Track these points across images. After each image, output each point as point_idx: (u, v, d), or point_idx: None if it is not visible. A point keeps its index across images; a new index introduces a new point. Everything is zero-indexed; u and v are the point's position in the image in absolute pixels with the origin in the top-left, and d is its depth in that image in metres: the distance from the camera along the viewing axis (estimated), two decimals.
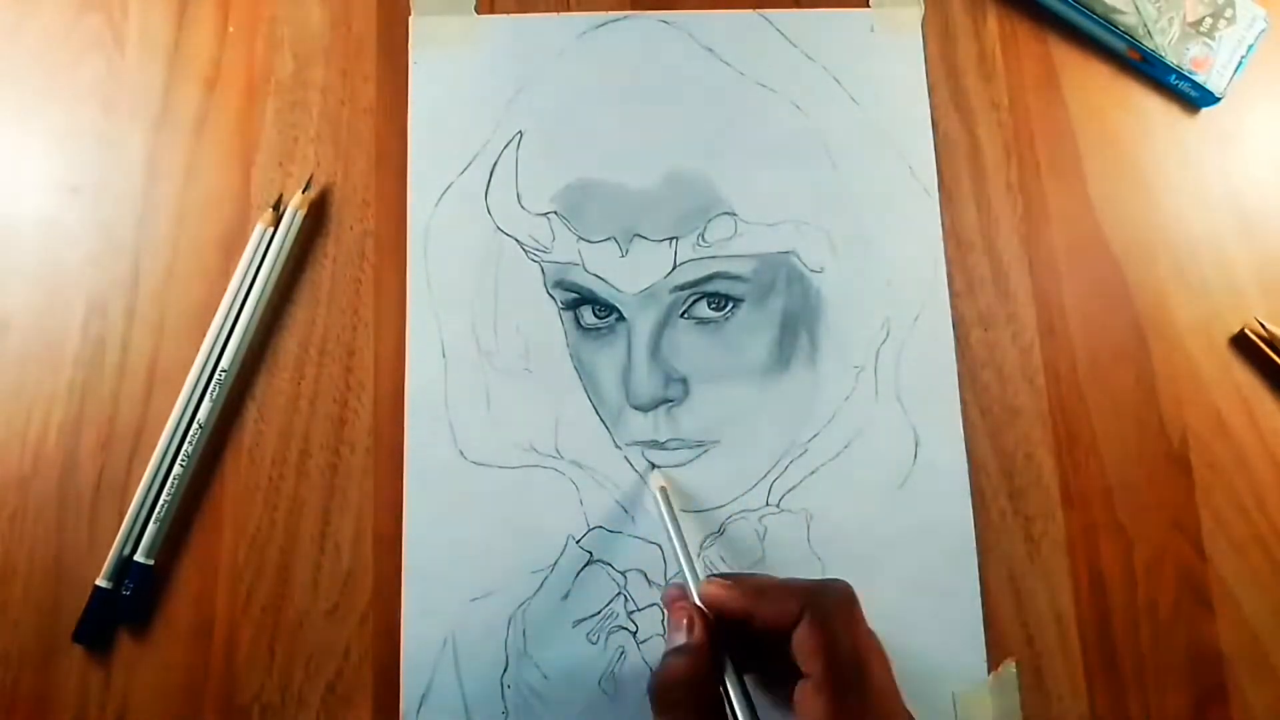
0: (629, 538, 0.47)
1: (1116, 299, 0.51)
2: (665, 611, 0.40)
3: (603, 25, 0.53)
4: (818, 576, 0.47)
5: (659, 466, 0.48)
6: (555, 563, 0.47)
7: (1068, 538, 0.48)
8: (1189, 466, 0.49)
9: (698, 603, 0.40)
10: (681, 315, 0.49)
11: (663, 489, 0.46)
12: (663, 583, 0.47)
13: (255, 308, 0.48)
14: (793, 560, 0.47)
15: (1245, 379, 0.50)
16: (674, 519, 0.44)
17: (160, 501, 0.46)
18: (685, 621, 0.39)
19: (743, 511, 0.48)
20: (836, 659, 0.36)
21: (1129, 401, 0.50)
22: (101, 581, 0.46)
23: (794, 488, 0.48)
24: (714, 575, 0.41)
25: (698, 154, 0.51)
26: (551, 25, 0.53)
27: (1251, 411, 0.50)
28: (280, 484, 0.48)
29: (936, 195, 0.52)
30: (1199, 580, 0.48)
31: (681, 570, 0.42)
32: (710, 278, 0.49)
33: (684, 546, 0.43)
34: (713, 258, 0.49)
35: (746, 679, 0.38)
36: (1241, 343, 0.51)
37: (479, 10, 0.53)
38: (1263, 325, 0.50)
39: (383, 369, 0.49)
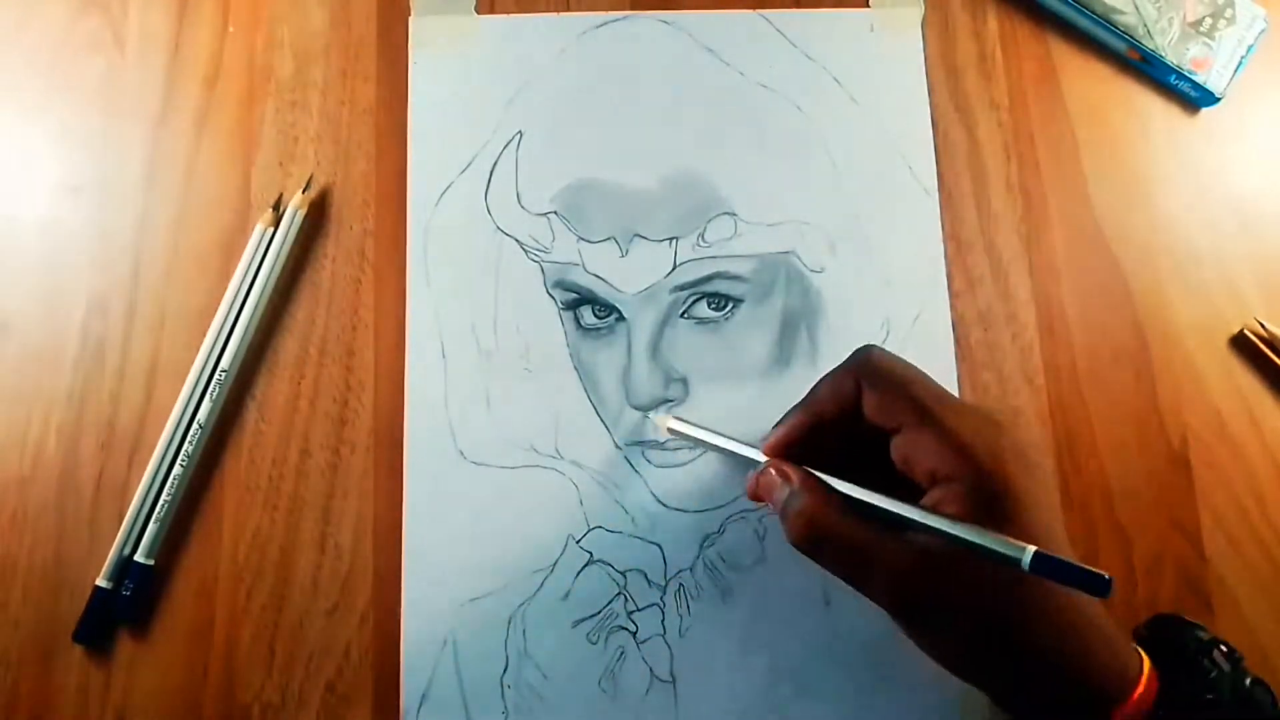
0: (629, 538, 0.47)
1: (1116, 299, 0.51)
2: (759, 496, 0.41)
3: (603, 25, 0.53)
4: (817, 574, 0.47)
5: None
6: (555, 563, 0.47)
7: (1068, 537, 0.48)
8: (1189, 466, 0.49)
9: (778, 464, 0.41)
10: (681, 315, 0.49)
11: (673, 423, 0.47)
12: (663, 583, 0.47)
13: (255, 308, 0.48)
14: (793, 560, 0.47)
15: (1245, 379, 0.50)
16: (704, 429, 0.45)
17: (160, 501, 0.46)
18: (777, 475, 0.40)
19: (742, 511, 0.48)
20: (916, 398, 0.38)
21: (1129, 401, 0.50)
22: (101, 581, 0.46)
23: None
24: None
25: (698, 154, 0.51)
26: (551, 25, 0.53)
27: (1251, 411, 0.50)
28: (280, 484, 0.48)
29: (936, 195, 0.52)
30: (1199, 580, 0.48)
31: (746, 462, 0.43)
32: (710, 278, 0.49)
33: (730, 440, 0.44)
34: (713, 258, 0.49)
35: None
36: (1241, 343, 0.51)
37: (479, 10, 0.53)
38: (1263, 325, 0.50)
39: (383, 369, 0.49)
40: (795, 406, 0.42)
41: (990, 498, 0.36)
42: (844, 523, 0.37)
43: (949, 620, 0.37)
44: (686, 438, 0.46)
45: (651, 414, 0.48)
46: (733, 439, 0.44)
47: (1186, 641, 0.39)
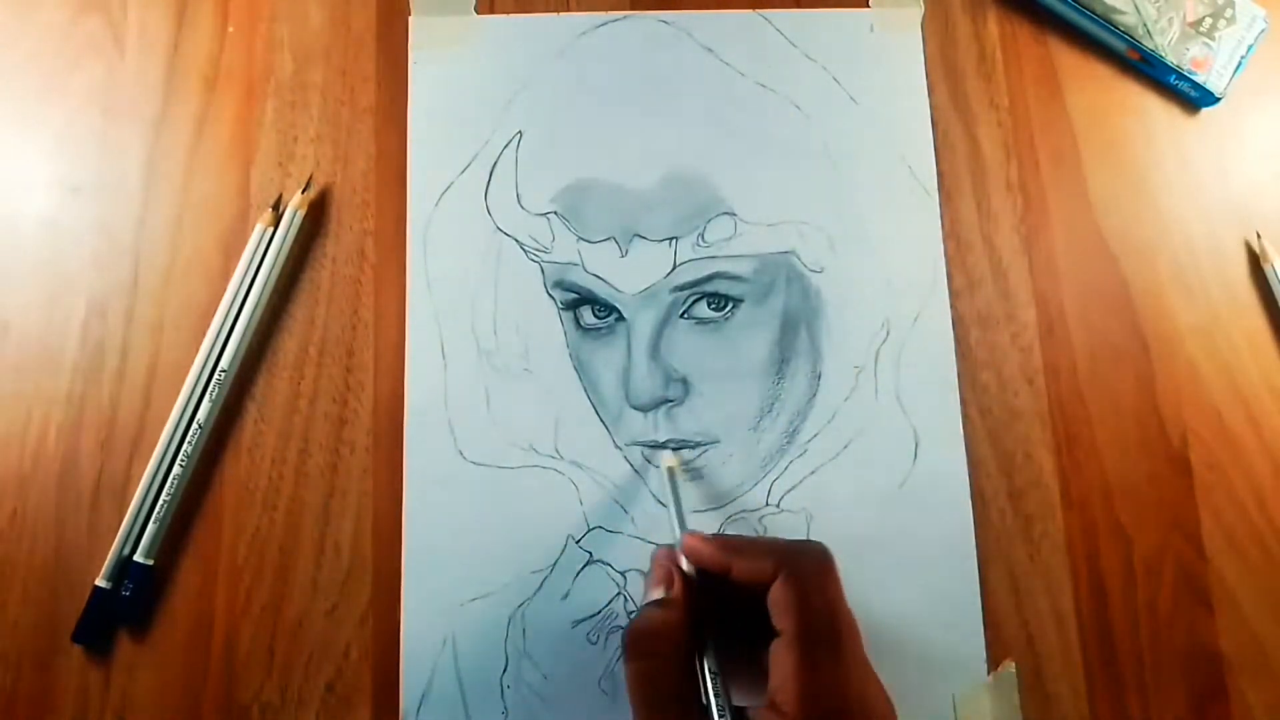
0: (629, 538, 0.47)
1: (1116, 299, 0.51)
2: (650, 569, 0.41)
3: (603, 25, 0.53)
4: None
5: (667, 447, 0.48)
6: (555, 563, 0.47)
7: (1068, 538, 0.48)
8: (1189, 466, 0.49)
9: (682, 563, 0.40)
10: (681, 315, 0.49)
11: (670, 469, 0.46)
12: None
13: (255, 308, 0.48)
14: None
15: (1245, 379, 0.50)
16: (675, 491, 0.45)
17: (160, 501, 0.46)
18: (664, 576, 0.40)
19: (742, 511, 0.48)
20: (810, 616, 0.37)
21: (1129, 401, 0.50)
22: (101, 581, 0.46)
23: (794, 488, 0.48)
24: (697, 532, 0.41)
25: (698, 154, 0.51)
26: (551, 25, 0.53)
27: (1251, 411, 0.50)
28: (280, 484, 0.48)
29: (936, 195, 0.52)
30: (1199, 580, 0.48)
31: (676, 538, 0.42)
32: (710, 278, 0.49)
33: (679, 513, 0.43)
34: (712, 258, 0.49)
35: (724, 639, 0.39)
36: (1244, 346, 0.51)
37: (479, 10, 0.53)
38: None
39: (383, 369, 0.49)
40: (726, 540, 0.41)
41: None
42: (663, 662, 0.37)
43: None
44: (662, 484, 0.46)
45: (662, 456, 0.47)
46: (682, 517, 0.43)
47: None
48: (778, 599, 0.37)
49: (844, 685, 0.36)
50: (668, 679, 0.37)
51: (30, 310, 0.49)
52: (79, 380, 0.48)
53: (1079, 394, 0.50)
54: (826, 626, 0.37)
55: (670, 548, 0.42)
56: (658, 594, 0.39)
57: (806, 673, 0.35)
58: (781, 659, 0.36)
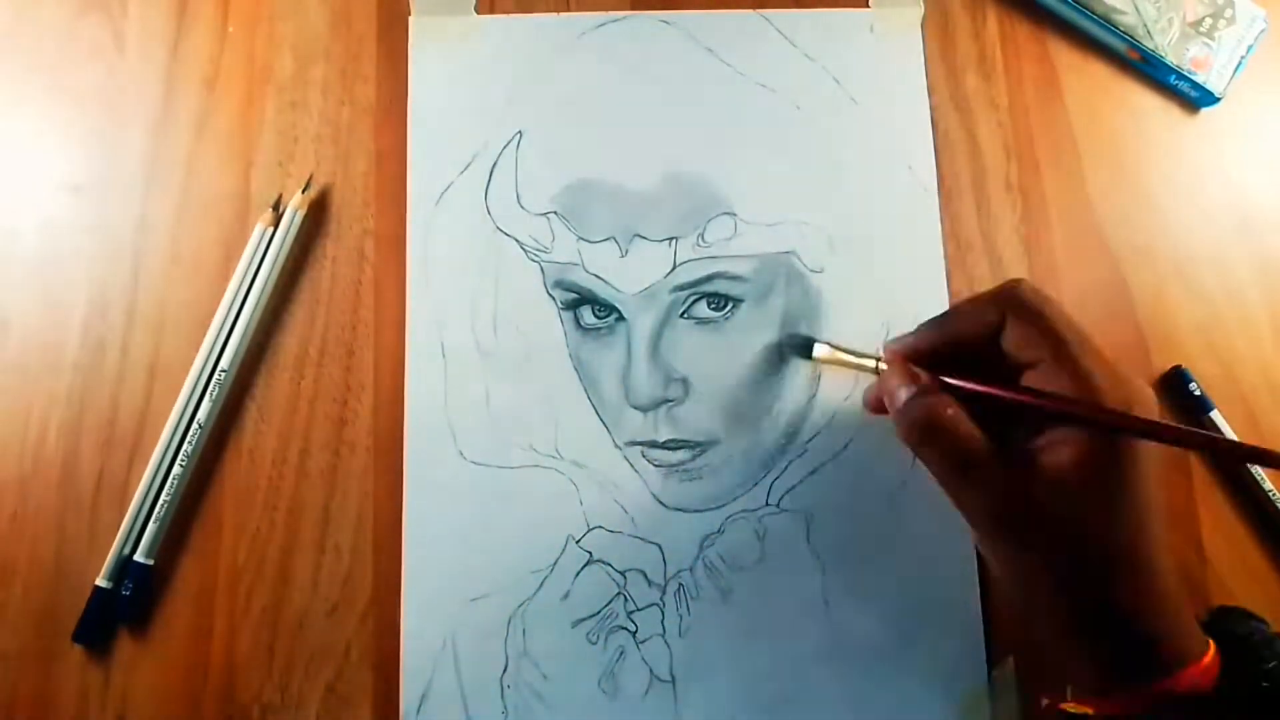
0: (629, 538, 0.47)
1: (1116, 299, 0.51)
2: (878, 401, 0.43)
3: (603, 25, 0.53)
4: (817, 575, 0.47)
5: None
6: (555, 563, 0.47)
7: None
8: (1189, 466, 0.49)
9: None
10: (681, 315, 0.49)
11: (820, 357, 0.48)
12: (662, 583, 0.47)
13: (255, 308, 0.48)
14: (793, 560, 0.47)
15: (1245, 379, 0.50)
16: (845, 351, 0.47)
17: (160, 501, 0.46)
18: (907, 375, 0.41)
19: (743, 511, 0.48)
20: (1060, 336, 0.38)
21: None
22: (101, 581, 0.46)
23: (794, 488, 0.48)
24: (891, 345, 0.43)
25: (697, 154, 0.51)
26: (551, 25, 0.53)
27: (1251, 411, 0.50)
28: (280, 484, 0.48)
29: (936, 195, 0.52)
30: (1199, 580, 0.48)
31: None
32: (710, 278, 0.49)
33: (863, 355, 0.46)
34: (712, 258, 0.49)
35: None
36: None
37: (479, 10, 0.53)
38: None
39: (383, 369, 0.49)
40: (930, 321, 0.42)
41: (1104, 449, 0.36)
42: (963, 419, 0.38)
43: (1037, 539, 0.37)
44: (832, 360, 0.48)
45: (816, 353, 0.48)
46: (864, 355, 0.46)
47: (1249, 632, 0.39)
48: (1019, 339, 0.39)
49: (1111, 367, 0.38)
50: (971, 439, 0.38)
51: (30, 310, 0.49)
52: (79, 379, 0.48)
53: None
54: (1077, 335, 0.38)
55: (893, 352, 0.43)
56: (907, 391, 0.40)
57: (1085, 382, 0.37)
58: (1055, 375, 0.37)
